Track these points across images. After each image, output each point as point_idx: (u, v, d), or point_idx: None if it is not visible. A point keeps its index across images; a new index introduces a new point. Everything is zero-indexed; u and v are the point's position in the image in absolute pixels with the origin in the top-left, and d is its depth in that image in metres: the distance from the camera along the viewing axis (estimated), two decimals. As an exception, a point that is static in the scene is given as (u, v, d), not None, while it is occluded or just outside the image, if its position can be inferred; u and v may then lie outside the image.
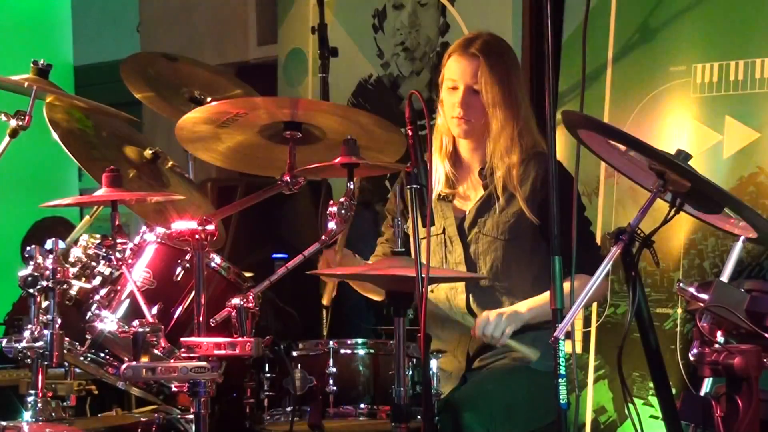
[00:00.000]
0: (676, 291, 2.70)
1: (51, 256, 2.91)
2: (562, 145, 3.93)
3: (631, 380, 3.96)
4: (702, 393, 2.88)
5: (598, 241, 4.02)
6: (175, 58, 4.30)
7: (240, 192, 5.13)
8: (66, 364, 3.31)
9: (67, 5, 6.99)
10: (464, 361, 3.54)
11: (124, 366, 2.73)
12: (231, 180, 5.39)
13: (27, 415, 2.92)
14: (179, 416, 3.25)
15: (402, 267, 2.97)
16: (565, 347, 2.62)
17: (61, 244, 2.97)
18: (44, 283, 2.90)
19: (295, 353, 3.12)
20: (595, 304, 4.22)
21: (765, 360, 2.54)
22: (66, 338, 2.93)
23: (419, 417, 2.99)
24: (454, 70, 3.55)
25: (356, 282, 3.66)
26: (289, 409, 3.10)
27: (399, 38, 5.20)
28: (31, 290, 2.90)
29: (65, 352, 2.95)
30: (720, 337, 2.60)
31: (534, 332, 3.44)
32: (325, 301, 3.67)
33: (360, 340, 3.16)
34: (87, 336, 3.02)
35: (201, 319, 2.78)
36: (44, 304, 2.91)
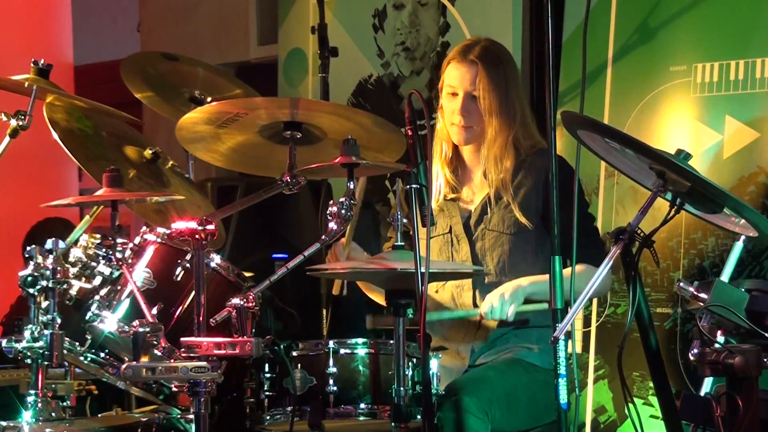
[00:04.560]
0: (676, 291, 2.70)
1: (51, 256, 2.92)
2: (563, 143, 3.93)
3: (631, 380, 3.96)
4: (702, 393, 2.87)
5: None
6: (175, 58, 4.30)
7: (240, 192, 5.14)
8: (66, 364, 3.31)
9: (67, 5, 6.99)
10: (468, 359, 3.54)
11: (124, 366, 2.73)
12: (231, 180, 5.39)
13: (27, 415, 2.93)
14: (179, 416, 3.25)
15: (401, 262, 2.97)
16: (566, 347, 2.62)
17: (61, 244, 2.97)
18: (44, 283, 2.90)
19: (295, 353, 3.13)
20: (595, 305, 4.22)
21: (765, 360, 2.54)
22: (66, 338, 2.93)
23: (419, 417, 3.00)
24: (454, 77, 3.56)
25: (361, 282, 3.66)
26: (289, 409, 3.10)
27: (399, 38, 5.20)
28: (31, 290, 2.90)
29: (65, 352, 2.95)
30: (720, 336, 2.60)
31: (538, 330, 3.45)
32: (335, 291, 3.67)
33: (360, 340, 3.16)
34: (87, 336, 3.02)
35: (201, 319, 2.78)
36: (44, 304, 2.91)
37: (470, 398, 3.19)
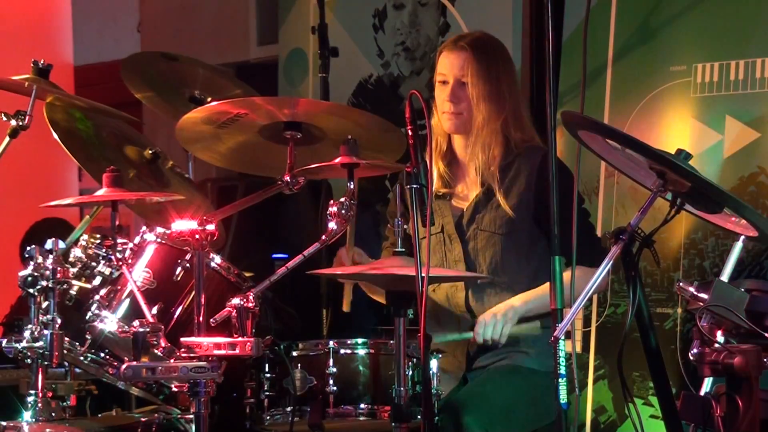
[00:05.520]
0: (676, 291, 2.70)
1: (51, 256, 2.91)
2: (563, 143, 3.93)
3: (631, 380, 3.96)
4: (702, 393, 2.87)
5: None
6: (175, 58, 4.30)
7: (240, 192, 5.14)
8: (66, 364, 3.31)
9: (67, 5, 6.99)
10: (464, 361, 3.54)
11: (124, 366, 2.73)
12: (231, 180, 5.39)
13: (27, 415, 2.92)
14: (179, 416, 3.25)
15: (402, 267, 2.97)
16: (565, 347, 2.62)
17: (61, 244, 2.97)
18: (44, 283, 2.90)
19: (295, 353, 3.13)
20: (595, 305, 4.22)
21: (765, 360, 2.53)
22: (66, 338, 2.93)
23: (419, 417, 3.00)
24: (445, 65, 3.58)
25: (363, 282, 3.67)
26: (289, 409, 3.10)
27: (399, 38, 5.20)
28: (31, 290, 2.90)
29: (65, 352, 2.95)
30: (720, 336, 2.60)
31: (533, 335, 3.45)
32: (345, 308, 3.66)
33: (360, 340, 3.16)
34: (87, 336, 3.02)
35: (201, 319, 2.78)
36: (44, 304, 2.91)
37: (470, 418, 3.20)
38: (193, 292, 2.80)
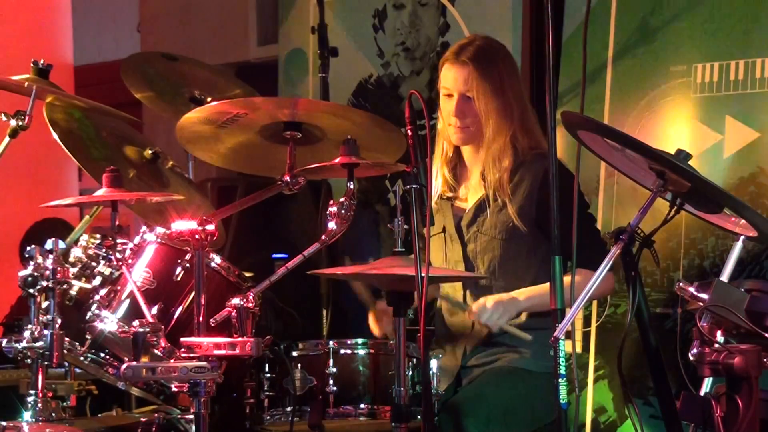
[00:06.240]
0: (676, 291, 2.70)
1: (51, 256, 2.91)
2: (563, 144, 3.93)
3: (631, 380, 3.95)
4: (702, 393, 2.87)
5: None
6: (175, 58, 4.30)
7: (240, 192, 5.14)
8: (66, 364, 3.31)
9: (66, 5, 6.99)
10: (460, 358, 3.54)
11: (124, 366, 2.72)
12: (231, 180, 5.39)
13: (27, 415, 2.93)
14: (179, 416, 3.25)
15: (402, 267, 2.97)
16: (565, 347, 2.62)
17: (61, 244, 2.97)
18: (44, 283, 2.90)
19: (295, 353, 3.13)
20: (595, 305, 4.22)
21: (765, 360, 2.53)
22: (66, 338, 2.93)
23: (419, 417, 3.00)
24: (448, 78, 3.56)
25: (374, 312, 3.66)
26: (289, 409, 3.10)
27: (399, 38, 5.20)
28: (31, 290, 2.90)
29: (65, 352, 2.95)
30: (720, 336, 2.60)
31: (533, 332, 3.45)
32: (377, 333, 3.63)
33: (360, 340, 3.16)
34: (87, 336, 3.02)
35: (201, 319, 2.78)
36: (44, 304, 2.91)
37: (468, 420, 3.20)
38: (193, 292, 2.80)
